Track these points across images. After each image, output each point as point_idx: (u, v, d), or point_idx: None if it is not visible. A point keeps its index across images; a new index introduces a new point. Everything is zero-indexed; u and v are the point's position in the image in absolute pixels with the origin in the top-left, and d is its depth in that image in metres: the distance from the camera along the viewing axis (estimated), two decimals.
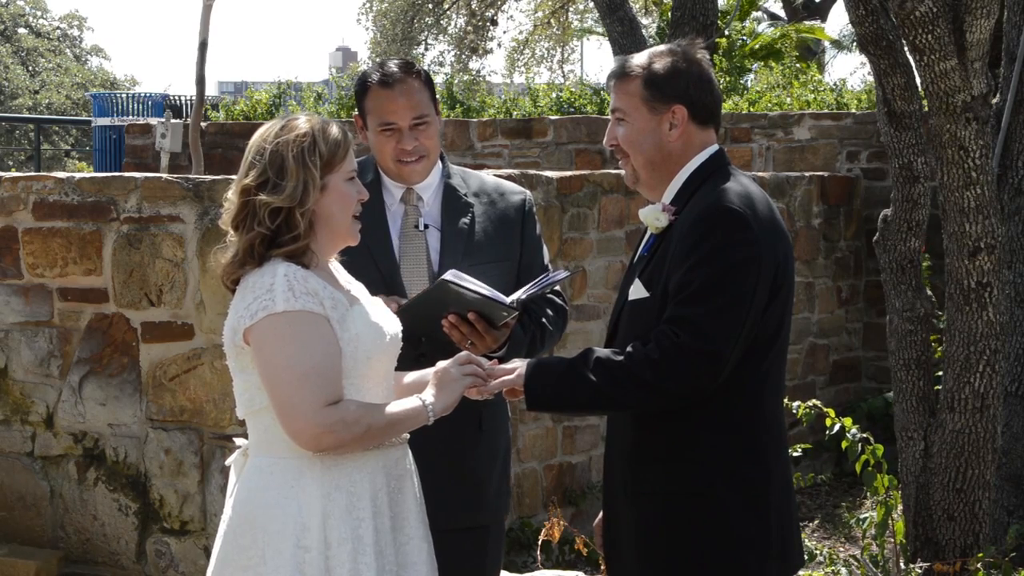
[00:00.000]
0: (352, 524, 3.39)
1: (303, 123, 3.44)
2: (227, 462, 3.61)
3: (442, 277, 3.84)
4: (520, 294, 3.90)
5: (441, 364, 3.54)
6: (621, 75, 3.61)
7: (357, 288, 3.59)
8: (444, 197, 4.25)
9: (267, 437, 3.43)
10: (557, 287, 4.28)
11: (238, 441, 3.61)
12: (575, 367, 3.46)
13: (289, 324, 3.34)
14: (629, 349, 3.42)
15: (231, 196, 3.45)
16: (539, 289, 3.93)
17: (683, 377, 3.37)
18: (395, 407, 3.44)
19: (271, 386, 3.35)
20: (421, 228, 4.21)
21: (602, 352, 3.46)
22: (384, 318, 3.55)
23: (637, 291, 3.53)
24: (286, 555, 3.35)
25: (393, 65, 4.20)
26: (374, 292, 3.94)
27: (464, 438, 4.15)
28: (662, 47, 3.65)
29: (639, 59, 3.62)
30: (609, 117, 3.67)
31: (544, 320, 4.20)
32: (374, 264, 4.12)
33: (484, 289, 3.83)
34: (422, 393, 3.49)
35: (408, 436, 3.57)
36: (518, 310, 3.90)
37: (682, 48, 3.62)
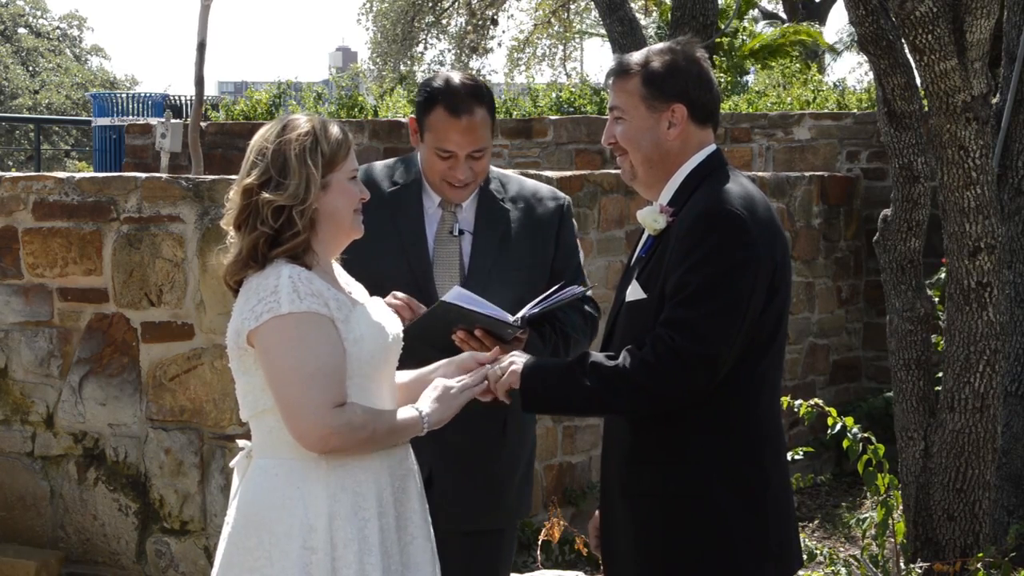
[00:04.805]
0: (358, 525, 3.39)
1: (304, 123, 3.45)
2: (231, 464, 3.61)
3: (443, 298, 3.83)
4: (527, 310, 3.88)
5: (440, 381, 3.54)
6: (620, 73, 3.59)
7: (357, 289, 3.60)
8: (480, 203, 4.24)
9: (271, 439, 3.43)
10: (588, 293, 4.26)
11: (241, 443, 3.60)
12: (571, 371, 3.46)
13: (294, 326, 3.34)
14: (625, 353, 3.41)
15: (233, 196, 3.45)
16: (549, 305, 3.90)
17: (678, 380, 3.36)
18: (396, 415, 3.45)
19: (277, 388, 3.35)
20: (456, 234, 4.20)
21: (598, 356, 3.46)
22: (385, 318, 3.55)
23: (635, 292, 3.53)
24: (292, 556, 3.35)
25: (463, 90, 4.11)
26: (406, 292, 3.95)
27: (487, 443, 4.16)
28: (661, 45, 3.63)
29: (638, 57, 3.60)
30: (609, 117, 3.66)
31: (569, 330, 4.16)
32: (408, 266, 4.13)
33: (487, 309, 3.82)
34: (418, 403, 3.50)
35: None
36: (523, 327, 3.88)
37: (681, 46, 3.60)
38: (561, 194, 4.38)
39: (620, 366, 3.39)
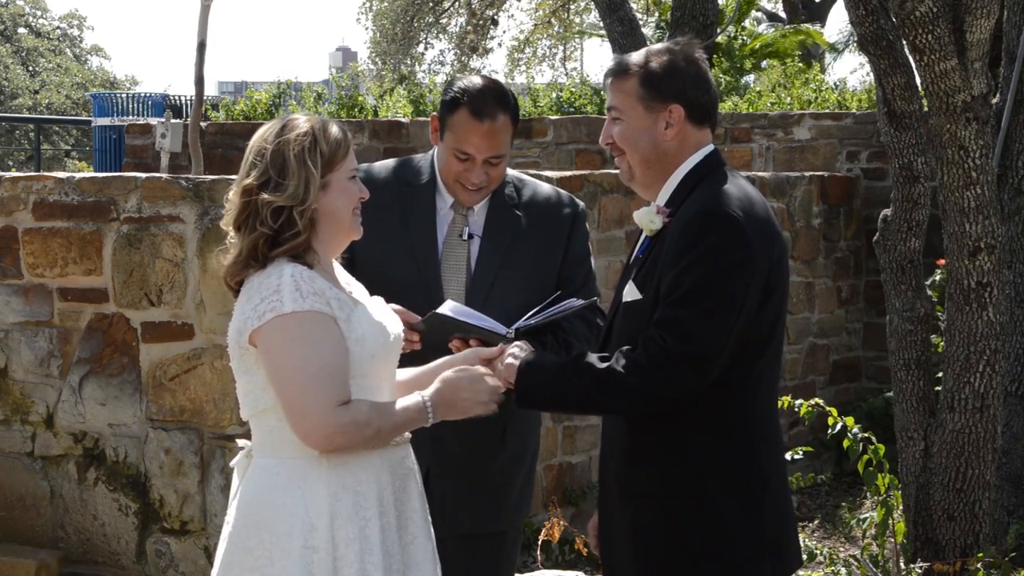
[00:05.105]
0: (359, 524, 3.39)
1: (303, 123, 3.44)
2: (231, 463, 3.60)
3: (435, 310, 3.84)
4: (523, 322, 3.89)
5: (450, 376, 3.51)
6: (618, 73, 3.60)
7: (358, 289, 3.60)
8: (492, 207, 4.23)
9: (272, 438, 3.43)
10: (598, 303, 4.25)
11: (241, 442, 3.60)
12: (564, 371, 3.47)
13: (298, 325, 3.33)
14: (618, 353, 3.42)
15: (232, 197, 3.45)
16: (546, 317, 3.90)
17: (670, 381, 3.36)
18: (401, 409, 3.45)
19: (282, 387, 3.35)
20: (465, 238, 4.20)
21: (592, 356, 3.47)
22: (386, 318, 3.55)
23: (631, 293, 3.53)
24: (294, 556, 3.35)
25: (488, 94, 4.11)
26: (412, 293, 3.95)
27: (486, 446, 4.15)
28: (660, 46, 3.63)
29: (636, 57, 3.60)
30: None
31: (572, 339, 4.15)
32: (416, 267, 4.12)
33: (480, 321, 3.84)
34: (426, 392, 3.48)
35: (410, 435, 3.57)
36: (515, 339, 3.88)
37: (680, 47, 3.60)
38: (576, 201, 4.37)
39: (612, 367, 3.40)
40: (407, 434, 3.55)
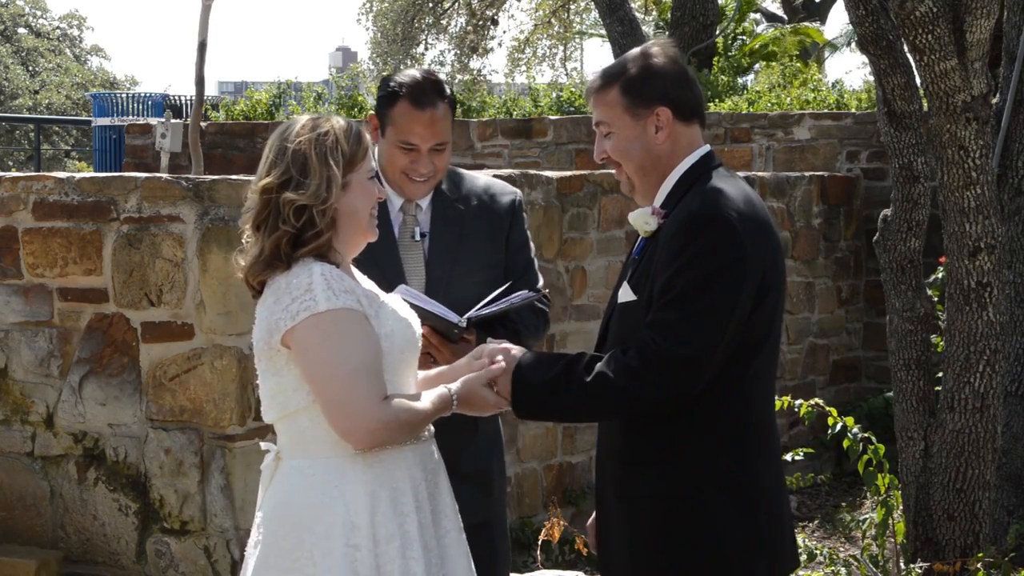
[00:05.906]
0: (399, 520, 3.41)
1: (323, 122, 3.46)
2: (261, 466, 3.59)
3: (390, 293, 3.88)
4: (475, 312, 3.94)
5: (469, 382, 3.54)
6: (598, 87, 3.59)
7: (376, 288, 3.61)
8: (435, 203, 4.30)
9: (303, 439, 3.43)
10: (540, 285, 4.30)
11: (265, 445, 3.59)
12: (556, 382, 3.46)
13: (334, 323, 3.34)
14: (609, 357, 3.42)
15: (251, 196, 3.45)
16: (497, 309, 3.96)
17: (661, 383, 3.36)
18: (429, 403, 3.48)
19: (322, 386, 3.35)
20: (417, 238, 4.25)
21: (583, 364, 3.46)
22: (410, 315, 3.57)
23: (625, 294, 3.53)
24: (337, 555, 3.35)
25: (426, 84, 4.18)
26: None
27: (463, 433, 4.17)
28: (635, 51, 3.63)
29: (613, 68, 3.60)
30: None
31: (520, 328, 4.22)
32: (380, 272, 4.14)
33: (433, 307, 3.89)
34: (452, 385, 3.52)
35: (434, 430, 3.59)
36: (467, 327, 3.92)
37: (656, 48, 3.60)
38: (513, 189, 4.44)
39: (604, 371, 3.40)
40: (432, 428, 3.57)
